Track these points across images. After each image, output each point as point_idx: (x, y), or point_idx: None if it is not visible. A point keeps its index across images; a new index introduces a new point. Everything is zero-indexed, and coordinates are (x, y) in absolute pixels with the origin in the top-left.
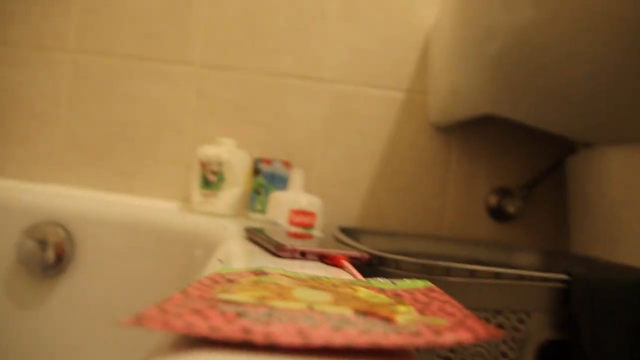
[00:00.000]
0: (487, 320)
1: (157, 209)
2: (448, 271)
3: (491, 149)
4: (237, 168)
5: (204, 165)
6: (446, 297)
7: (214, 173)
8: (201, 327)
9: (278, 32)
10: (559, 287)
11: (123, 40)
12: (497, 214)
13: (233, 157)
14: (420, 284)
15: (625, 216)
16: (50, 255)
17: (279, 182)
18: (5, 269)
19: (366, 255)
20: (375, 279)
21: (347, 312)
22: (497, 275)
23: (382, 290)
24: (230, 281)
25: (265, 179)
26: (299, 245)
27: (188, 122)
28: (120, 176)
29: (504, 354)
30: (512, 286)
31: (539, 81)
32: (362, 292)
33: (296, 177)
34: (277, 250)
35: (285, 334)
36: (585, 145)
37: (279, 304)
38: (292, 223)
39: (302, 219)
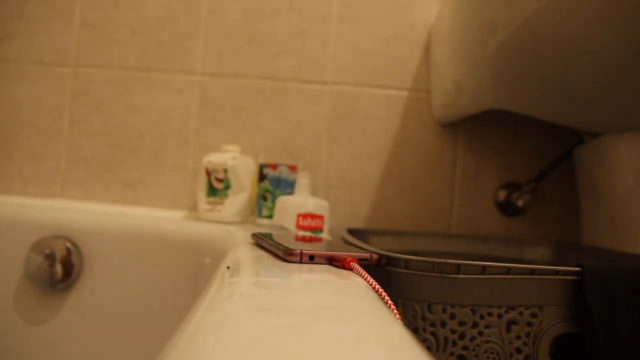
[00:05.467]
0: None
1: (164, 218)
2: (459, 268)
3: (498, 144)
4: (243, 174)
5: (209, 173)
6: None
7: (220, 180)
8: None
9: (278, 37)
10: (572, 280)
11: (123, 52)
12: (506, 208)
13: (238, 163)
14: None
15: (636, 204)
16: (59, 269)
17: (286, 186)
18: (13, 285)
19: (375, 256)
20: None
21: None
22: (509, 271)
23: None
24: None
25: (272, 184)
26: (308, 249)
27: (192, 130)
28: (125, 187)
29: (518, 350)
30: (524, 281)
31: (543, 73)
32: None
33: (302, 180)
34: (285, 255)
35: None
36: (593, 135)
37: None
38: (300, 227)
39: (310, 222)
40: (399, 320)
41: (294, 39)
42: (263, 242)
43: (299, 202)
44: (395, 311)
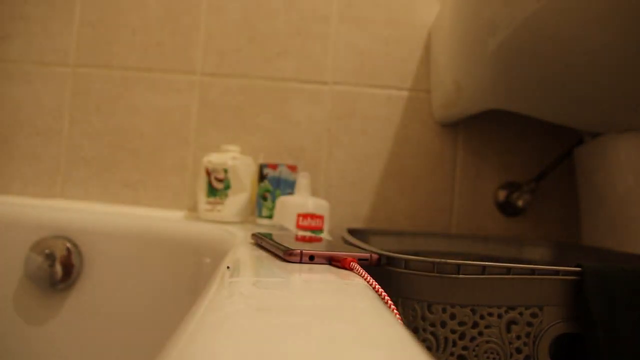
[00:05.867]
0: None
1: (164, 218)
2: (459, 268)
3: (498, 144)
4: (243, 174)
5: (209, 173)
6: None
7: (220, 180)
8: None
9: (279, 37)
10: (572, 280)
11: (123, 52)
12: (506, 208)
13: (238, 163)
14: None
15: (636, 204)
16: (58, 269)
17: (286, 186)
18: (13, 285)
19: (375, 256)
20: None
21: None
22: (509, 271)
23: None
24: None
25: (272, 184)
26: (308, 249)
27: (192, 130)
28: (125, 187)
29: (518, 350)
30: (524, 281)
31: (543, 73)
32: None
33: (302, 180)
34: (285, 255)
35: None
36: (593, 135)
37: None
38: (300, 227)
39: (310, 222)
40: (399, 320)
41: (294, 39)
42: (263, 242)
43: (299, 202)
44: (395, 311)
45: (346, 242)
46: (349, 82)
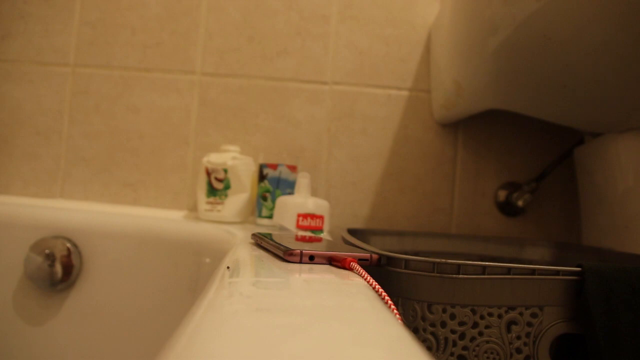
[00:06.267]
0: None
1: (164, 219)
2: (459, 269)
3: (498, 144)
4: (243, 174)
5: (209, 173)
6: None
7: (220, 180)
8: None
9: (279, 37)
10: (572, 280)
11: (123, 52)
12: (507, 208)
13: (238, 163)
14: None
15: (636, 204)
16: (58, 269)
17: (286, 186)
18: (13, 285)
19: (375, 256)
20: None
21: None
22: (509, 271)
23: None
24: None
25: (271, 184)
26: (308, 249)
27: (192, 130)
28: (125, 187)
29: (518, 350)
30: (525, 281)
31: (543, 73)
32: None
33: (302, 180)
34: (285, 255)
35: None
36: (593, 135)
37: None
38: (300, 227)
39: (310, 222)
40: (399, 321)
41: (294, 38)
42: (263, 242)
43: (299, 202)
44: (395, 311)
45: (346, 242)
46: (349, 82)
